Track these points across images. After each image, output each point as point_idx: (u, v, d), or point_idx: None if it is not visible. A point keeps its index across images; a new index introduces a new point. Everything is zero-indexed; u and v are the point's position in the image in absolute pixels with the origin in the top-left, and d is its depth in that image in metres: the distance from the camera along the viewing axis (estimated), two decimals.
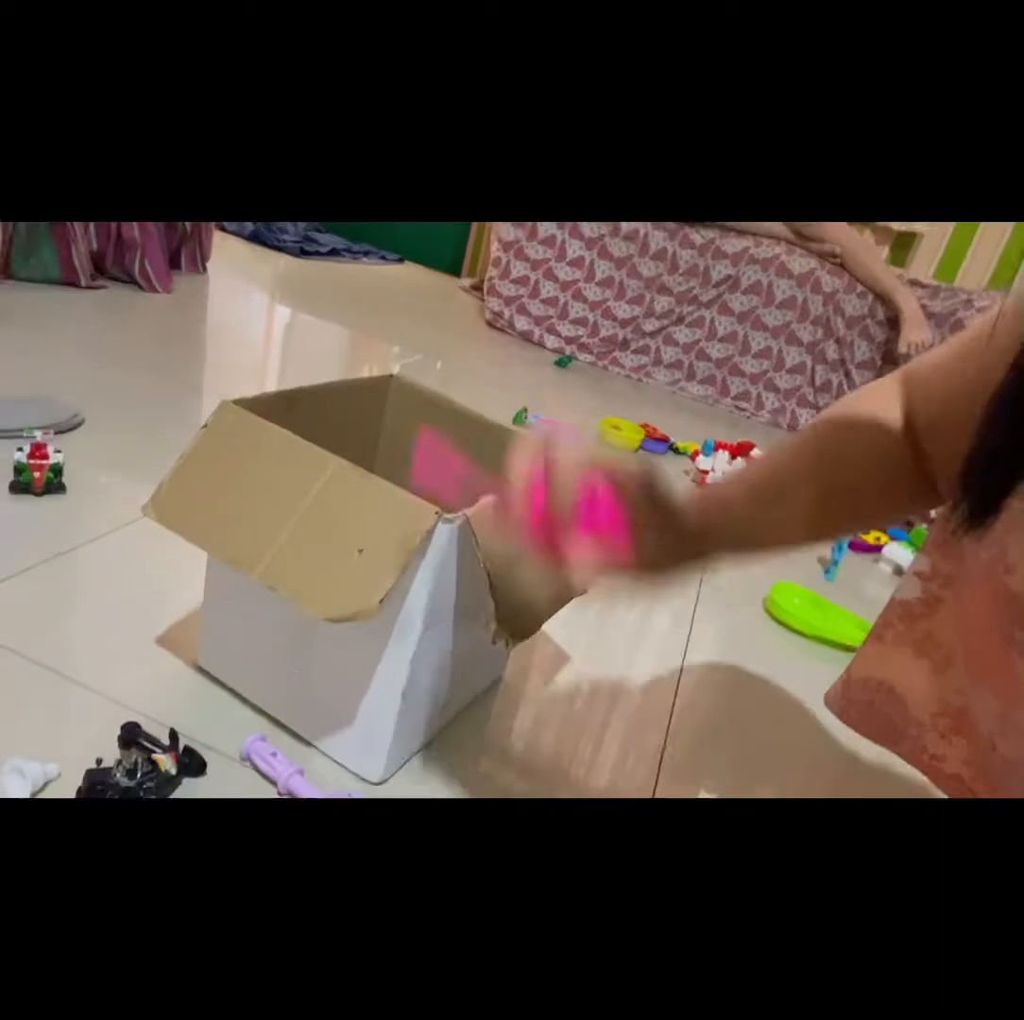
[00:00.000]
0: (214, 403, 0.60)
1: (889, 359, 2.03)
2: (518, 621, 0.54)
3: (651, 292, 2.13)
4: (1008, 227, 2.43)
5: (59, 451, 0.88)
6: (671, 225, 2.08)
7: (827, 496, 0.47)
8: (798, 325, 2.04)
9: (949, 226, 2.51)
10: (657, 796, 0.68)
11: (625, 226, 2.11)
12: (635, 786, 0.69)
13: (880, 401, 0.48)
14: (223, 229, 2.52)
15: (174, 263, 1.88)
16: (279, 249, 2.53)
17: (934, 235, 2.53)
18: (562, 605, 0.61)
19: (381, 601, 0.49)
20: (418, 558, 0.51)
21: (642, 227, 2.10)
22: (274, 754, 0.59)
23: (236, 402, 0.59)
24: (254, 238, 2.55)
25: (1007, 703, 0.33)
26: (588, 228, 2.14)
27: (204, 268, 1.97)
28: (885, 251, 2.56)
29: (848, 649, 1.01)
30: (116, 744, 0.57)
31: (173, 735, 0.57)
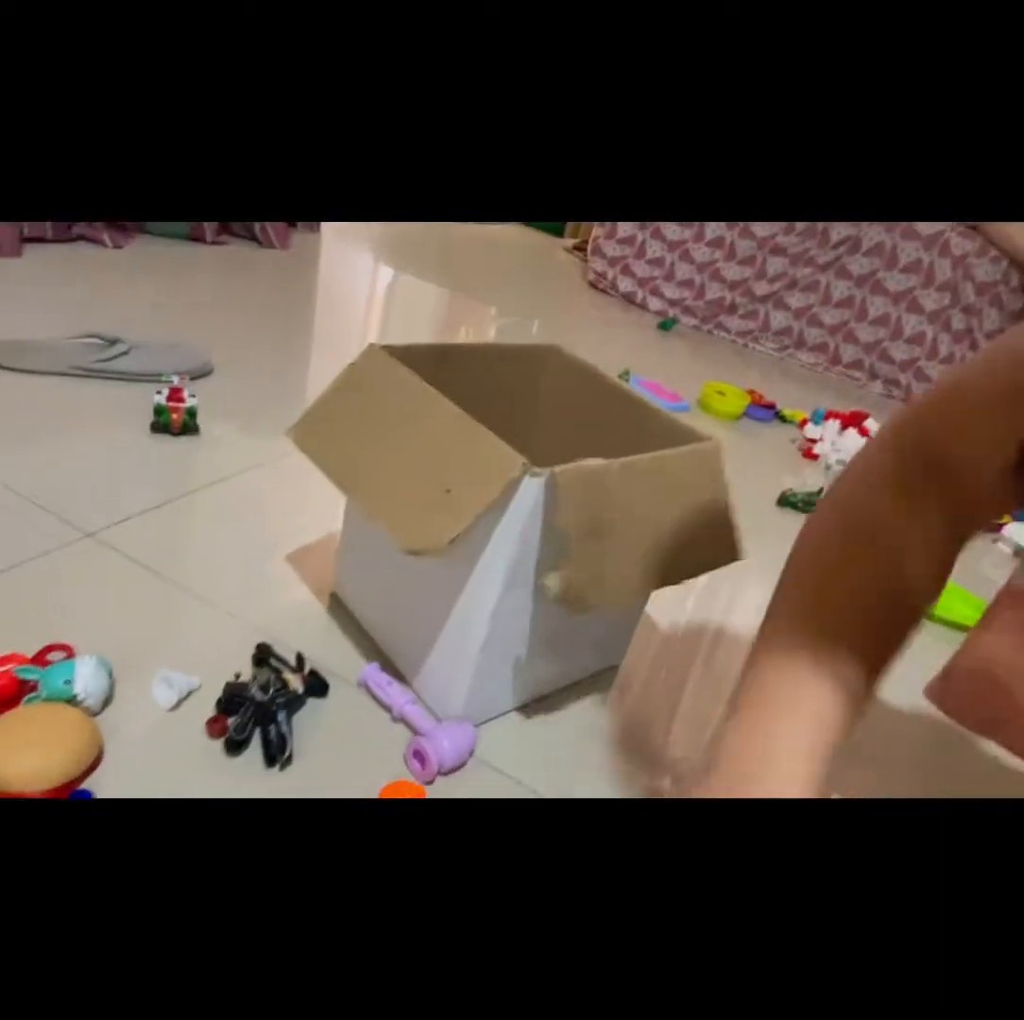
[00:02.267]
0: (325, 355, 0.64)
1: None
2: (591, 590, 0.53)
3: (763, 253, 2.05)
4: None
5: (193, 396, 0.94)
6: None
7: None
8: (922, 291, 1.92)
9: None
10: None
11: None
12: None
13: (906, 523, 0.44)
14: None
15: (291, 223, 1.94)
16: None
17: None
18: (647, 591, 0.58)
19: (451, 542, 0.49)
20: (501, 508, 0.52)
21: None
22: (390, 683, 0.62)
23: (384, 347, 0.62)
24: None
25: None
26: None
27: (318, 227, 2.02)
28: None
29: (963, 628, 0.98)
30: (250, 662, 0.62)
31: (300, 658, 0.62)
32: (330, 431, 0.61)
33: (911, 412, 0.46)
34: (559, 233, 3.01)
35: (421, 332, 1.65)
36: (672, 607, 0.86)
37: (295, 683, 0.59)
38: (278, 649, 0.63)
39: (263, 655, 0.62)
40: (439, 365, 0.66)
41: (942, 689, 0.42)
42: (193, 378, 1.05)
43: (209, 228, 1.66)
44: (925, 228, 1.89)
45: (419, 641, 0.63)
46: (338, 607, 0.71)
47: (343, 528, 0.70)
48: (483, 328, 1.74)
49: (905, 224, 1.90)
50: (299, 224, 1.97)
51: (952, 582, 1.06)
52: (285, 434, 0.62)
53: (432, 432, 0.55)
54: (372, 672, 0.63)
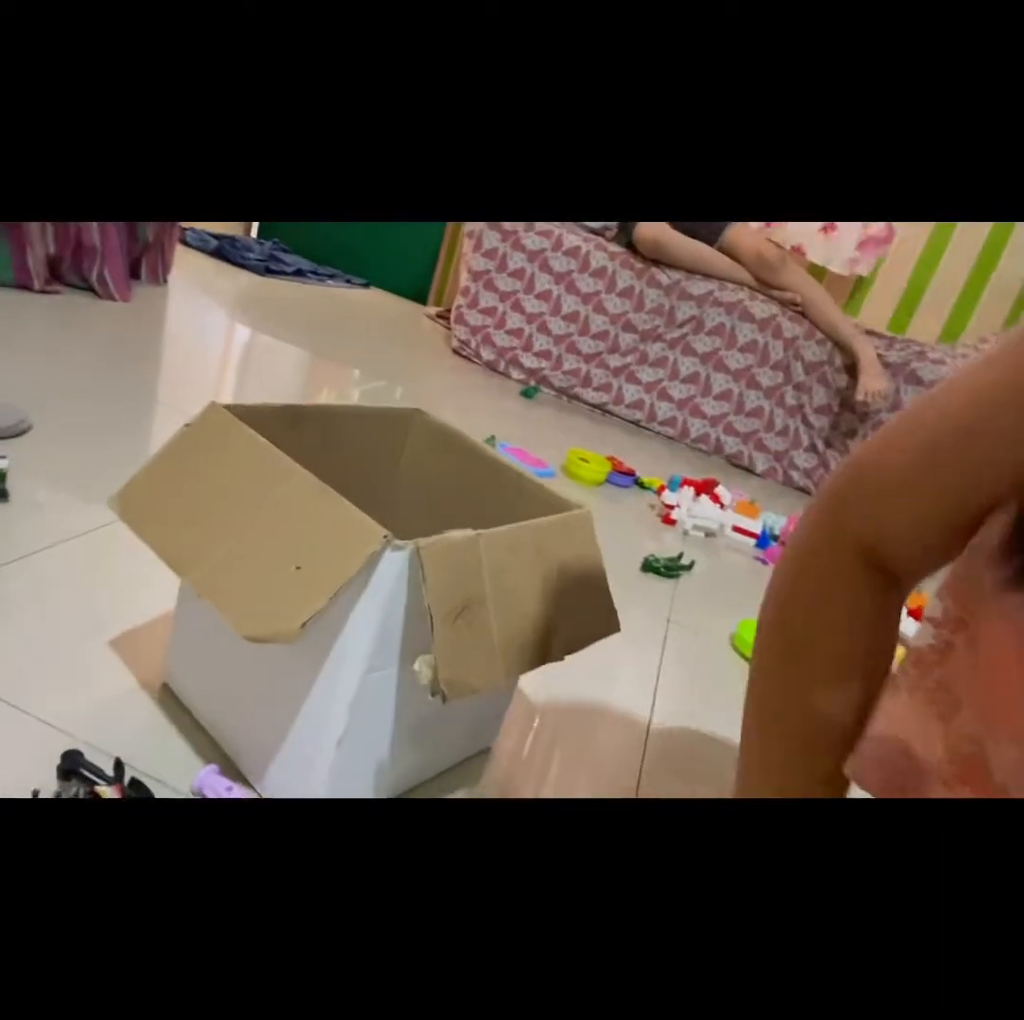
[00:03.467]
0: (167, 417, 0.57)
1: (847, 406, 2.08)
2: (460, 675, 0.48)
3: (616, 328, 2.16)
4: (960, 279, 2.55)
5: (3, 456, 0.82)
6: (638, 264, 2.12)
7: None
8: (758, 369, 2.09)
9: (903, 274, 2.61)
10: None
11: (593, 263, 2.13)
12: None
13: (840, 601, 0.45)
14: (186, 243, 2.47)
15: (134, 273, 1.82)
16: (243, 266, 2.49)
17: (888, 284, 2.64)
18: (525, 669, 0.54)
19: (303, 625, 0.44)
20: (360, 586, 0.47)
21: (609, 264, 2.13)
22: (230, 788, 0.54)
23: (228, 407, 0.56)
24: (218, 254, 2.51)
25: None
26: (557, 263, 2.16)
27: (164, 280, 1.92)
28: (842, 300, 2.65)
29: None
30: (54, 775, 0.52)
31: (118, 765, 0.53)
32: (161, 500, 0.53)
33: (834, 501, 0.46)
34: (423, 300, 3.04)
35: (279, 395, 1.57)
36: (545, 682, 0.83)
37: (111, 797, 0.50)
38: (93, 756, 0.53)
39: (71, 766, 0.52)
40: (291, 427, 0.60)
41: (857, 763, 0.41)
42: (5, 437, 0.93)
43: (37, 275, 1.51)
44: (759, 312, 2.06)
45: (266, 737, 0.55)
46: (170, 701, 0.62)
47: (177, 610, 0.62)
48: (346, 392, 1.69)
49: (741, 308, 2.06)
50: (143, 275, 1.85)
51: None
52: (108, 503, 0.54)
53: (280, 501, 0.50)
54: (209, 777, 0.54)
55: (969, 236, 2.53)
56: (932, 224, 2.54)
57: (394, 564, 0.47)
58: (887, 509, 0.43)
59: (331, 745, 0.51)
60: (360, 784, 0.56)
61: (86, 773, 0.52)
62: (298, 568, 0.46)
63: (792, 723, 0.47)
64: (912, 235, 2.56)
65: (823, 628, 0.46)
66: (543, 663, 0.54)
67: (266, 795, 0.56)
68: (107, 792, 0.50)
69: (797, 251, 2.37)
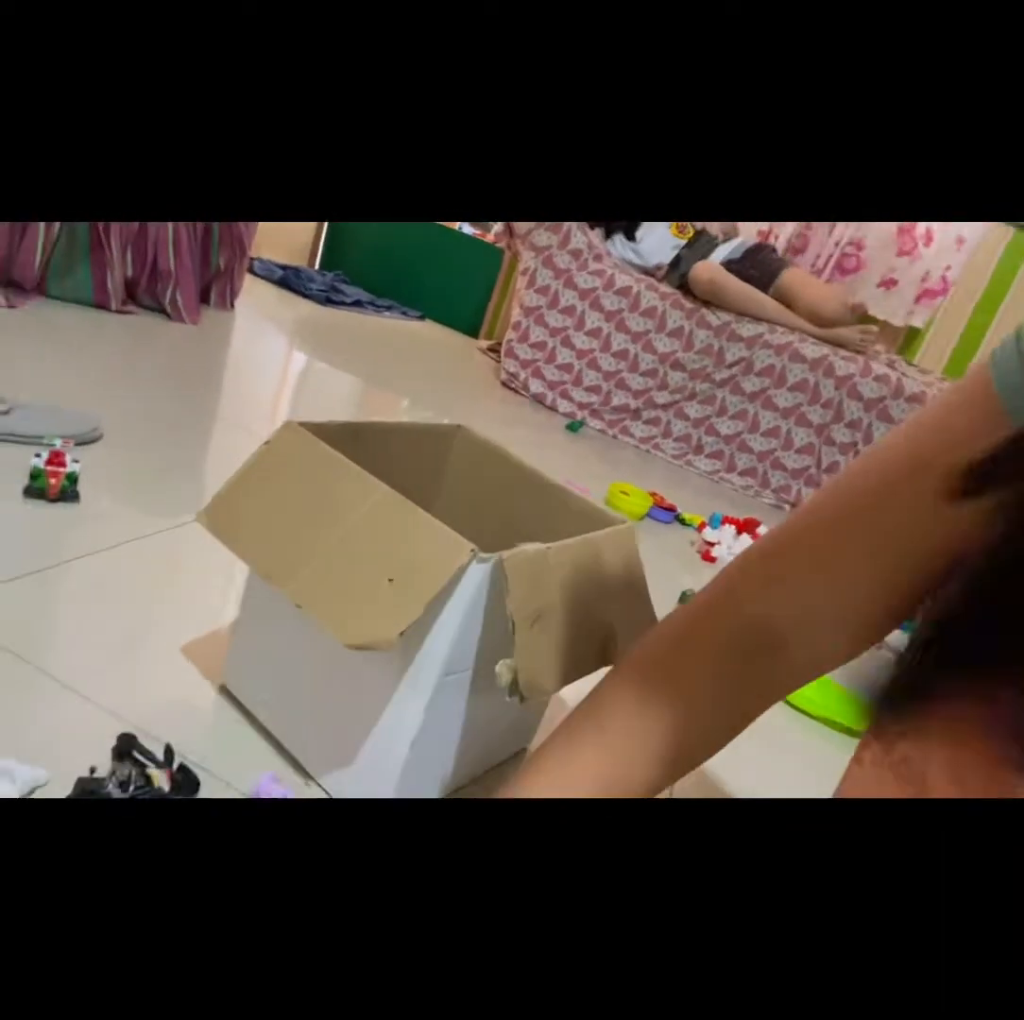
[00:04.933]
0: (228, 432, 0.61)
1: None
2: (536, 678, 0.52)
3: (665, 367, 2.18)
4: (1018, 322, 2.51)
5: (77, 461, 0.87)
6: (688, 305, 2.15)
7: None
8: (808, 407, 2.08)
9: (959, 324, 2.58)
10: None
11: (643, 302, 2.17)
12: None
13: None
14: (254, 272, 2.59)
15: (204, 298, 1.92)
16: (305, 295, 2.59)
17: (942, 333, 2.61)
18: (586, 672, 0.57)
19: (401, 634, 0.48)
20: (446, 596, 0.50)
21: (660, 305, 2.16)
22: (287, 795, 0.56)
23: (303, 424, 0.59)
24: (283, 283, 2.62)
25: None
26: (608, 301, 2.20)
27: (232, 305, 2.01)
28: (895, 345, 2.63)
29: (851, 732, 0.99)
30: (109, 755, 0.55)
31: (168, 751, 0.55)
32: (247, 514, 0.57)
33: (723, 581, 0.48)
34: (475, 334, 3.11)
35: (334, 418, 1.62)
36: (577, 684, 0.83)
37: (160, 780, 0.53)
38: (148, 742, 0.56)
39: (125, 747, 0.54)
40: (352, 443, 0.64)
41: None
42: (79, 444, 0.98)
43: (115, 296, 1.61)
44: (810, 353, 2.06)
45: (335, 737, 0.58)
46: (227, 701, 0.65)
47: (241, 613, 0.65)
48: (394, 419, 1.74)
49: (792, 349, 2.06)
50: (212, 300, 1.94)
51: (839, 684, 1.08)
52: (196, 518, 0.57)
53: (367, 516, 0.53)
54: (266, 784, 0.56)
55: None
56: (989, 275, 2.52)
57: (477, 575, 0.50)
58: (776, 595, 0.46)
59: (405, 745, 0.54)
60: (425, 783, 0.59)
61: (138, 756, 0.55)
62: (391, 580, 0.49)
63: (651, 699, 0.47)
64: (970, 285, 2.54)
65: (728, 626, 0.47)
66: (601, 667, 0.57)
67: (333, 793, 0.59)
68: (156, 774, 0.53)
69: (858, 309, 2.42)
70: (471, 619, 0.52)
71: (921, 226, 2.50)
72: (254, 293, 2.33)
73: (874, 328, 2.18)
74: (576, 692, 0.81)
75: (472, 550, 0.49)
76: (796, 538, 0.47)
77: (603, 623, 0.58)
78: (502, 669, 0.50)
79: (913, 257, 2.53)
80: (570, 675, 0.55)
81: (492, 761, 0.68)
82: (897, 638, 1.35)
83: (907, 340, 2.66)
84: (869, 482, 0.44)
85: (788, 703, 1.03)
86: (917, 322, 2.59)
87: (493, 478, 0.73)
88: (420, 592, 0.49)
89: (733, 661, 0.46)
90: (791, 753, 0.91)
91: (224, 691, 0.66)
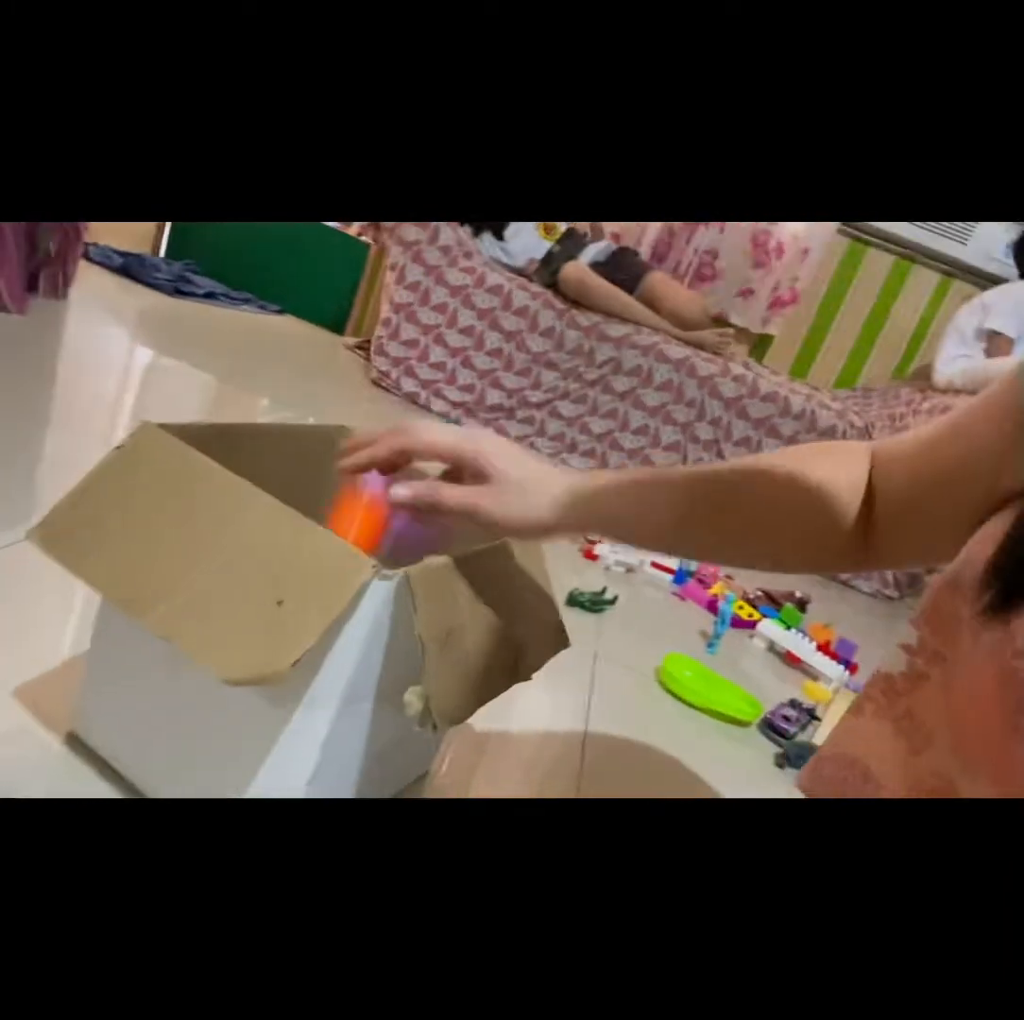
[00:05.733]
0: (63, 435, 0.52)
1: (772, 433, 2.14)
2: (448, 706, 0.48)
3: (538, 367, 2.19)
4: (855, 328, 2.73)
5: None
6: (559, 305, 2.16)
7: (751, 527, 0.50)
8: (673, 406, 2.16)
9: (802, 328, 2.78)
10: None
11: (515, 302, 2.16)
12: None
13: (848, 460, 0.49)
14: (89, 258, 2.34)
15: (32, 285, 1.71)
16: (150, 285, 2.38)
17: (787, 337, 2.80)
18: (500, 691, 0.54)
19: (294, 664, 0.42)
20: (345, 618, 0.45)
21: (532, 304, 2.16)
22: None
23: (163, 426, 0.51)
24: (123, 271, 2.39)
25: (1004, 790, 0.32)
26: (480, 299, 2.18)
27: (65, 294, 1.80)
28: (746, 350, 2.79)
29: (736, 722, 1.02)
30: None
31: None
32: (95, 531, 0.48)
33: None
34: (339, 330, 3.00)
35: (184, 418, 1.49)
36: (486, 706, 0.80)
37: None
38: None
39: None
40: (221, 446, 0.56)
41: (812, 778, 0.41)
42: None
43: None
44: (674, 354, 2.13)
45: (217, 784, 0.51)
46: (76, 754, 0.56)
47: (92, 646, 0.55)
48: (253, 420, 1.63)
49: (657, 350, 2.13)
50: (41, 288, 1.74)
51: (721, 677, 1.11)
52: (26, 535, 0.48)
53: (249, 530, 0.46)
54: None
55: (861, 293, 2.72)
56: (828, 284, 2.73)
57: (380, 593, 0.45)
58: (897, 458, 0.49)
59: (301, 785, 0.48)
60: None
61: None
62: (280, 603, 0.43)
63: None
64: (811, 292, 2.74)
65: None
66: (514, 684, 0.54)
67: None
68: None
69: (720, 317, 2.53)
70: (373, 643, 0.47)
71: (773, 239, 2.66)
72: (91, 281, 2.12)
73: (731, 331, 2.30)
74: (485, 714, 0.78)
75: (374, 566, 0.44)
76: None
77: (513, 637, 0.54)
78: (411, 697, 0.46)
79: (767, 268, 2.69)
80: (482, 698, 0.51)
81: (394, 788, 0.63)
82: (766, 628, 1.40)
83: (758, 344, 2.83)
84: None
85: (674, 695, 1.04)
86: (773, 330, 2.76)
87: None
88: (316, 616, 0.43)
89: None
90: (679, 742, 0.92)
91: (73, 740, 0.56)
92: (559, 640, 0.61)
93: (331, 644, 0.46)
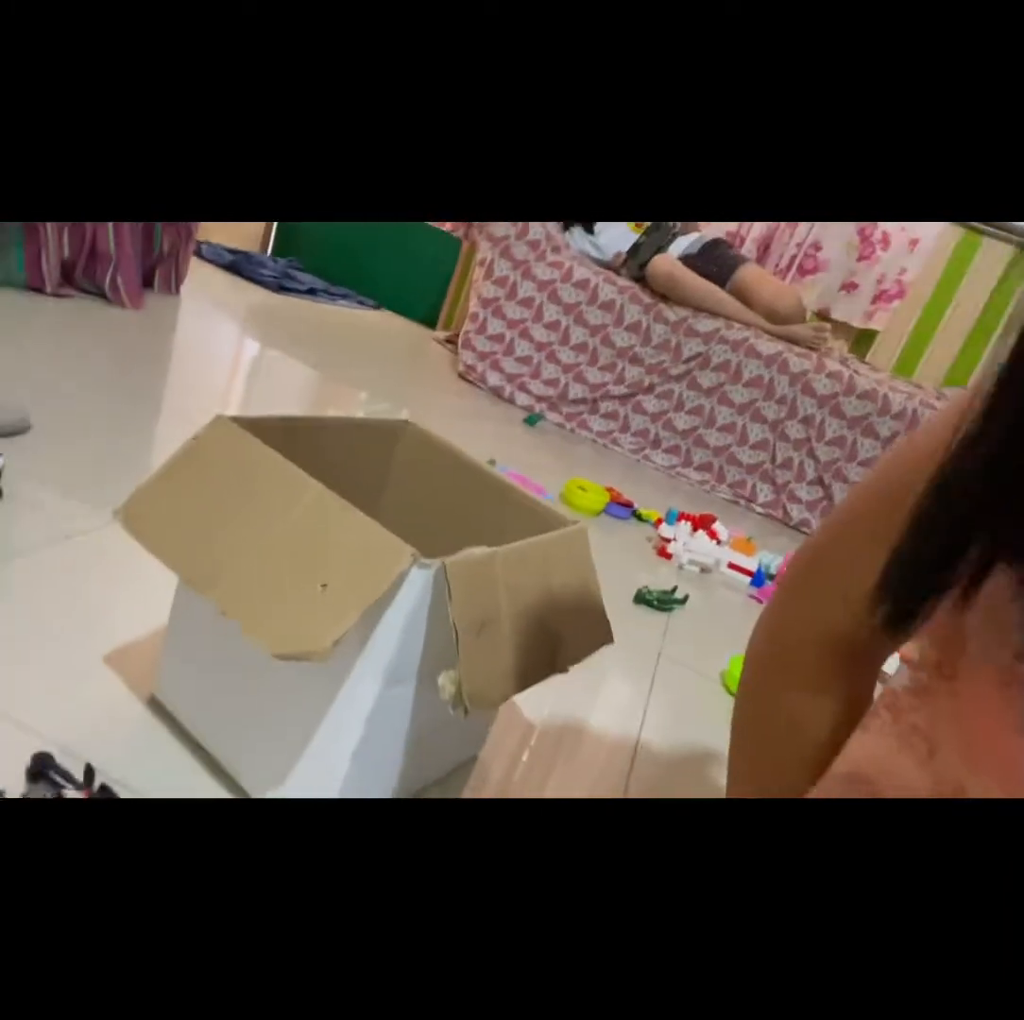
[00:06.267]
0: (172, 425, 0.57)
1: (867, 433, 2.05)
2: (481, 689, 0.49)
3: (623, 361, 2.17)
4: (967, 324, 2.56)
5: (0, 454, 0.82)
6: (646, 299, 2.14)
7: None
8: (763, 403, 2.09)
9: (908, 323, 2.63)
10: None
11: (602, 296, 2.15)
12: None
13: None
14: (200, 255, 2.50)
15: (147, 282, 1.84)
16: (256, 282, 2.51)
17: (893, 333, 2.66)
18: (535, 681, 0.55)
19: (334, 643, 0.44)
20: (385, 603, 0.48)
21: (618, 298, 2.14)
22: None
23: (233, 419, 0.56)
24: (232, 268, 2.53)
25: (1011, 790, 0.31)
26: (566, 294, 2.18)
27: (177, 290, 1.93)
28: (846, 345, 2.67)
29: None
30: (23, 777, 0.51)
31: (88, 770, 0.52)
32: (170, 513, 0.53)
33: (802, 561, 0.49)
34: (432, 324, 3.07)
35: (284, 411, 1.58)
36: (531, 694, 0.82)
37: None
38: (68, 761, 0.52)
39: (40, 768, 0.51)
40: (288, 439, 0.60)
41: (820, 794, 0.40)
42: (4, 435, 0.93)
43: (50, 278, 1.53)
44: (765, 349, 2.07)
45: (273, 751, 0.55)
46: (158, 712, 0.61)
47: (171, 620, 0.61)
48: (351, 412, 1.70)
49: (748, 345, 2.07)
50: (156, 284, 1.87)
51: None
52: (113, 514, 0.53)
53: (300, 517, 0.50)
54: None
55: (975, 286, 2.55)
56: (938, 276, 2.58)
57: (418, 581, 0.47)
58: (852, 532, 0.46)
59: (346, 758, 0.52)
60: (368, 796, 0.56)
61: (55, 776, 0.51)
62: (324, 586, 0.46)
63: (765, 728, 0.49)
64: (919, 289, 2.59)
65: (806, 642, 0.47)
66: (550, 674, 0.55)
67: None
68: (74, 797, 0.49)
69: (823, 312, 2.43)
70: (413, 627, 0.50)
71: (878, 230, 2.53)
72: (201, 278, 2.25)
73: (827, 326, 2.20)
74: (527, 700, 0.80)
75: (413, 555, 0.46)
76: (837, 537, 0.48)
77: (552, 630, 0.56)
78: (445, 681, 0.48)
79: (871, 261, 2.56)
80: (518, 684, 0.53)
81: (440, 771, 0.65)
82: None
83: (860, 339, 2.70)
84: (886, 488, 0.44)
85: None
86: (877, 325, 2.63)
87: (441, 477, 0.70)
88: (355, 599, 0.46)
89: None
90: None
91: (154, 703, 0.62)
92: (602, 635, 0.62)
93: (373, 626, 0.49)
